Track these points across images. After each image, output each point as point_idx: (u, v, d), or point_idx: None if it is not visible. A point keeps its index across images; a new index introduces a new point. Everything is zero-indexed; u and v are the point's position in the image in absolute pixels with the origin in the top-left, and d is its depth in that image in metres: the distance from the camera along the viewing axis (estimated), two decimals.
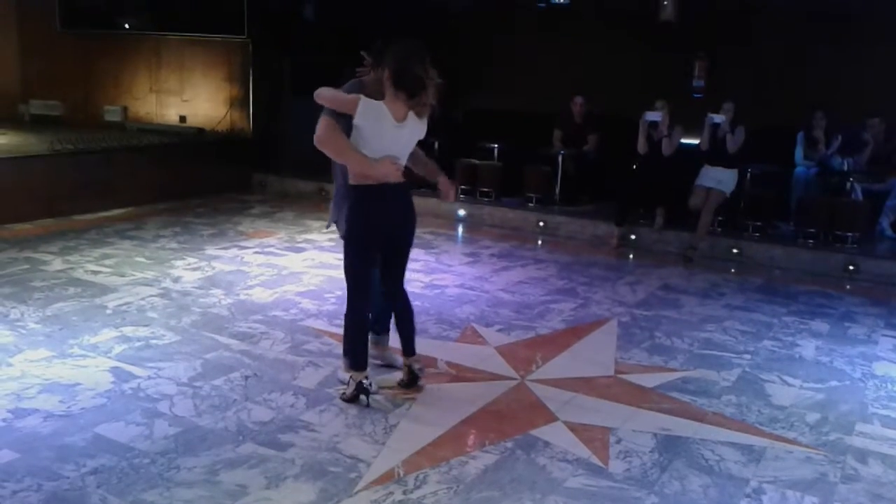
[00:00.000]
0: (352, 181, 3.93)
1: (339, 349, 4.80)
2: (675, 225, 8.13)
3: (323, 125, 3.87)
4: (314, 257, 7.07)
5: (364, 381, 4.04)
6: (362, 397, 4.05)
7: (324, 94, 3.90)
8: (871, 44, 8.74)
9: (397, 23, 9.86)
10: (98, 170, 8.71)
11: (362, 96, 3.82)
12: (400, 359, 4.35)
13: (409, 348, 4.24)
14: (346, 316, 4.11)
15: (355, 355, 4.07)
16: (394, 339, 4.43)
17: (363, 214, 3.92)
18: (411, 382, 4.25)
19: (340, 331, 5.10)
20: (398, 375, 4.33)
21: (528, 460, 3.60)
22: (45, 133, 9.61)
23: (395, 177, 3.90)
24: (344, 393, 4.12)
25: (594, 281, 6.77)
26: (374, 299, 4.24)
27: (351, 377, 4.09)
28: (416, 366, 4.26)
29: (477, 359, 4.82)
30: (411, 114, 3.87)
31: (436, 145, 9.25)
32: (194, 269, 6.47)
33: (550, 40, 10.29)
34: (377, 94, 3.89)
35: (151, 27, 11.05)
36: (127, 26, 11.25)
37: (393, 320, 4.40)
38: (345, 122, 3.86)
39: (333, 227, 4.45)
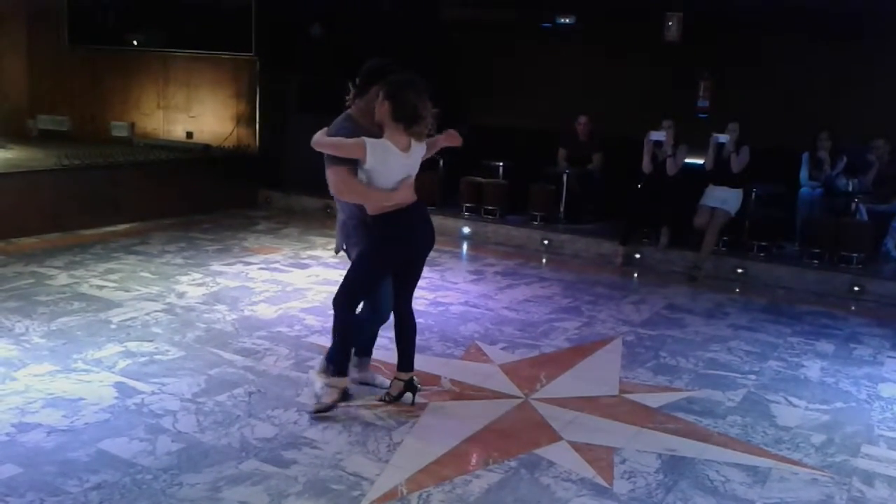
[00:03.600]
0: (372, 212, 3.94)
1: None
2: (679, 244, 8.13)
3: (336, 177, 3.90)
4: (319, 274, 7.07)
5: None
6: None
7: (323, 143, 3.88)
8: (876, 65, 8.78)
9: (402, 42, 9.93)
10: (104, 185, 8.75)
11: (365, 139, 3.80)
12: (379, 377, 4.42)
13: (409, 364, 4.24)
14: (338, 323, 4.08)
15: (341, 361, 4.12)
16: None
17: (393, 239, 3.97)
18: (399, 397, 4.26)
19: None
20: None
21: (531, 480, 3.59)
22: (52, 148, 9.66)
23: (410, 198, 3.96)
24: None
25: (599, 300, 6.76)
26: (365, 323, 4.25)
27: (329, 383, 4.11)
28: (417, 379, 4.28)
29: (481, 377, 4.80)
30: (412, 140, 3.92)
31: (441, 163, 9.34)
32: (199, 285, 6.48)
33: (556, 59, 10.34)
34: (369, 125, 3.90)
35: (159, 44, 11.14)
36: (135, 43, 11.33)
37: (389, 335, 4.37)
38: (350, 162, 3.87)
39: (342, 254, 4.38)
